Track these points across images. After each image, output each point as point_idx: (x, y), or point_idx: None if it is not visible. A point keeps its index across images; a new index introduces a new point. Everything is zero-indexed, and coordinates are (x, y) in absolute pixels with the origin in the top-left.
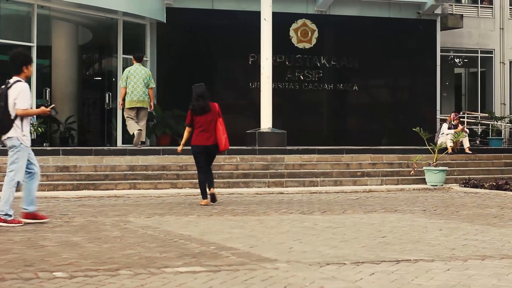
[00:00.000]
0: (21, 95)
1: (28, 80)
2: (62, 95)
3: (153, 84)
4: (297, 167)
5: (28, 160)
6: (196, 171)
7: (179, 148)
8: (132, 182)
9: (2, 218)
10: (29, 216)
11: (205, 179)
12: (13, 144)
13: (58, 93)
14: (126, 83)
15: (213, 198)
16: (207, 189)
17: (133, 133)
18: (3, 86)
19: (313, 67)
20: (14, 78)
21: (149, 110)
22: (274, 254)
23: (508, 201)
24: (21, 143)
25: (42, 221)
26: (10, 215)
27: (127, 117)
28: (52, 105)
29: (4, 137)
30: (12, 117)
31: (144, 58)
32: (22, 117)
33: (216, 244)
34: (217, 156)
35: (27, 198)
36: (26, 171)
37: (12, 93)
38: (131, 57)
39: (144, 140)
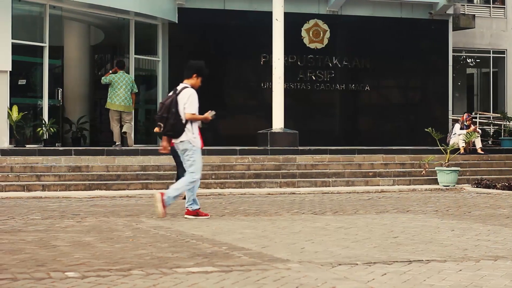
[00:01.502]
0: (190, 100)
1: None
2: (74, 95)
3: (135, 90)
4: (309, 167)
5: None
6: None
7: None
8: (144, 182)
9: (191, 210)
10: (190, 213)
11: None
12: (185, 148)
13: (70, 93)
14: (109, 85)
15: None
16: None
17: (115, 138)
18: (171, 93)
19: (325, 67)
20: (182, 85)
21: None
22: (286, 254)
23: None
24: (193, 145)
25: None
26: (198, 208)
27: (111, 119)
28: (214, 112)
29: (176, 141)
30: (183, 122)
31: (156, 58)
32: (192, 120)
33: (228, 244)
34: (228, 156)
35: (173, 197)
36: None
37: (181, 99)
38: (144, 57)
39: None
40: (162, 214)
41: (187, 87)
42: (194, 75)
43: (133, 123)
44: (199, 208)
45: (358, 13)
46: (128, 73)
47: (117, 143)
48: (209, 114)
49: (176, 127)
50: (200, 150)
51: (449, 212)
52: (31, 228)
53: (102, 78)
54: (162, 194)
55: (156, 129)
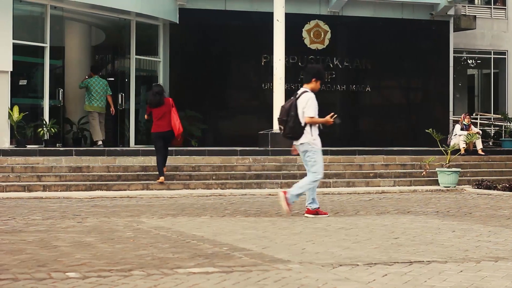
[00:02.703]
0: (309, 104)
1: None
2: (75, 95)
3: (110, 92)
4: None
5: None
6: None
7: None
8: (144, 182)
9: (311, 209)
10: (311, 212)
11: (163, 160)
12: (305, 149)
13: (71, 93)
14: (86, 89)
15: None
16: (164, 179)
17: (96, 141)
18: (292, 98)
19: (325, 68)
20: (302, 89)
21: (112, 114)
22: (287, 255)
23: None
24: (313, 146)
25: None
26: (317, 208)
27: (92, 119)
28: (335, 115)
29: (297, 143)
30: (302, 125)
31: (157, 59)
32: (311, 124)
33: (228, 245)
34: (229, 156)
35: (296, 195)
36: None
37: (301, 103)
38: (145, 58)
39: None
40: (287, 212)
41: (306, 91)
42: (313, 80)
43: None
44: (319, 207)
45: (359, 13)
46: (129, 74)
47: (99, 143)
48: (331, 118)
49: (295, 130)
50: (320, 151)
51: (450, 213)
52: (32, 228)
53: (79, 83)
54: (285, 192)
55: None
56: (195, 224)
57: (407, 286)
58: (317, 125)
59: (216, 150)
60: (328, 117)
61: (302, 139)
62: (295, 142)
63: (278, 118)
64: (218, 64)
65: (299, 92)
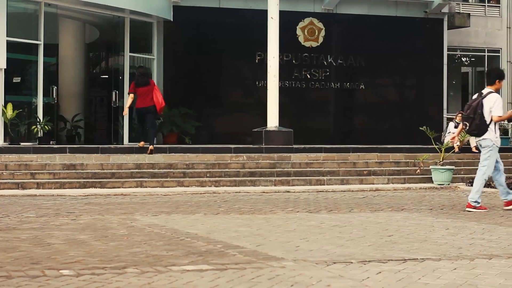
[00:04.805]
0: (496, 104)
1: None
2: (69, 93)
3: None
4: (303, 165)
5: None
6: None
7: (124, 111)
8: (138, 180)
9: (472, 204)
10: (509, 204)
11: (143, 130)
12: (487, 144)
13: (65, 91)
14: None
15: (151, 152)
16: (144, 144)
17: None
18: (475, 96)
19: (320, 66)
20: (487, 90)
21: None
22: (281, 252)
23: None
24: (494, 144)
25: None
26: (479, 203)
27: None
28: None
29: (479, 138)
30: (488, 123)
31: (151, 56)
32: (495, 122)
33: (222, 243)
34: (223, 154)
35: (501, 189)
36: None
37: (487, 102)
38: (138, 55)
39: None
40: (487, 209)
41: (492, 92)
42: (497, 81)
43: None
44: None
45: (353, 11)
46: (123, 71)
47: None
48: None
49: (480, 127)
50: (497, 150)
51: (444, 211)
52: (26, 226)
53: None
54: (468, 205)
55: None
56: (189, 221)
57: (401, 283)
58: (498, 124)
59: (210, 147)
60: (510, 112)
61: (486, 135)
62: (477, 138)
63: (463, 115)
64: (212, 62)
65: (484, 92)
